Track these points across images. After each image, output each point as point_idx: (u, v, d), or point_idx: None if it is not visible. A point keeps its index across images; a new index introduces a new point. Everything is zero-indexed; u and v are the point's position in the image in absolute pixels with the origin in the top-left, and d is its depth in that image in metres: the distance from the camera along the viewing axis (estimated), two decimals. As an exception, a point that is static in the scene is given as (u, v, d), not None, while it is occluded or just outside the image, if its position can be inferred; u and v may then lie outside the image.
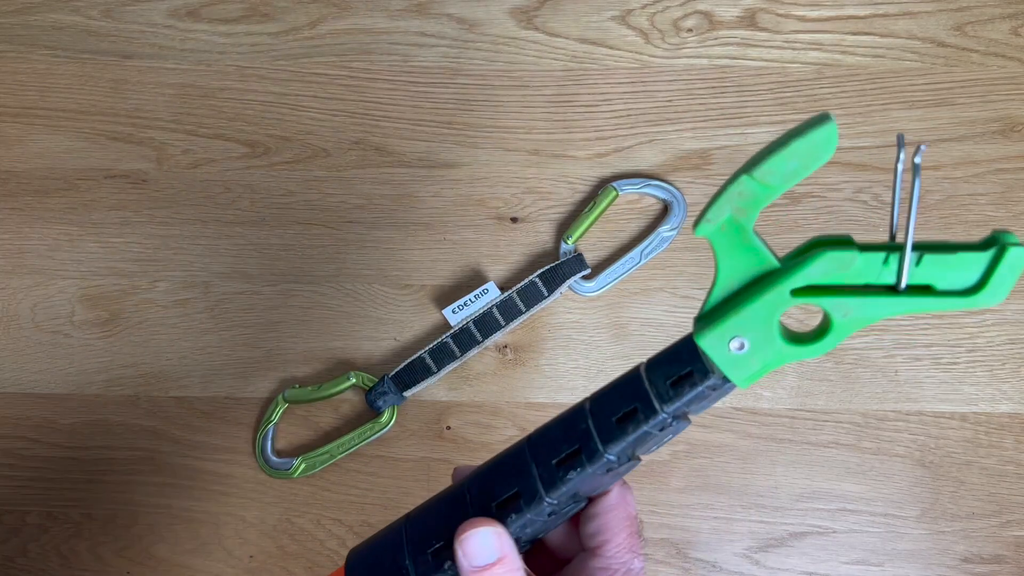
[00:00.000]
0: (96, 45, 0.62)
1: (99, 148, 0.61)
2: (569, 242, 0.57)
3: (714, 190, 0.62)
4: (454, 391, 0.57)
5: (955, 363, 0.56)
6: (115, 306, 0.59)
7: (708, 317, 0.26)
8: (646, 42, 0.60)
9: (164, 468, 0.57)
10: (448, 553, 0.29)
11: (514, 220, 0.59)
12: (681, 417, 0.28)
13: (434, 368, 0.55)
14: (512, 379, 0.57)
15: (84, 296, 0.59)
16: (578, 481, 0.28)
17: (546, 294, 0.56)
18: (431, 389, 0.57)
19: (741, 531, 0.55)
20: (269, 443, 0.56)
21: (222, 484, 0.57)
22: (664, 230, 0.57)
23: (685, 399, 0.27)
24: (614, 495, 0.31)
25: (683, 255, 0.58)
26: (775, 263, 0.25)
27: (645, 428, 0.27)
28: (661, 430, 0.28)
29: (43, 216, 0.60)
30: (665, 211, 0.58)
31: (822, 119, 0.24)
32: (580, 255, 0.57)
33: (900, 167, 0.24)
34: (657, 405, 0.27)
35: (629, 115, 0.60)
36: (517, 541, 0.29)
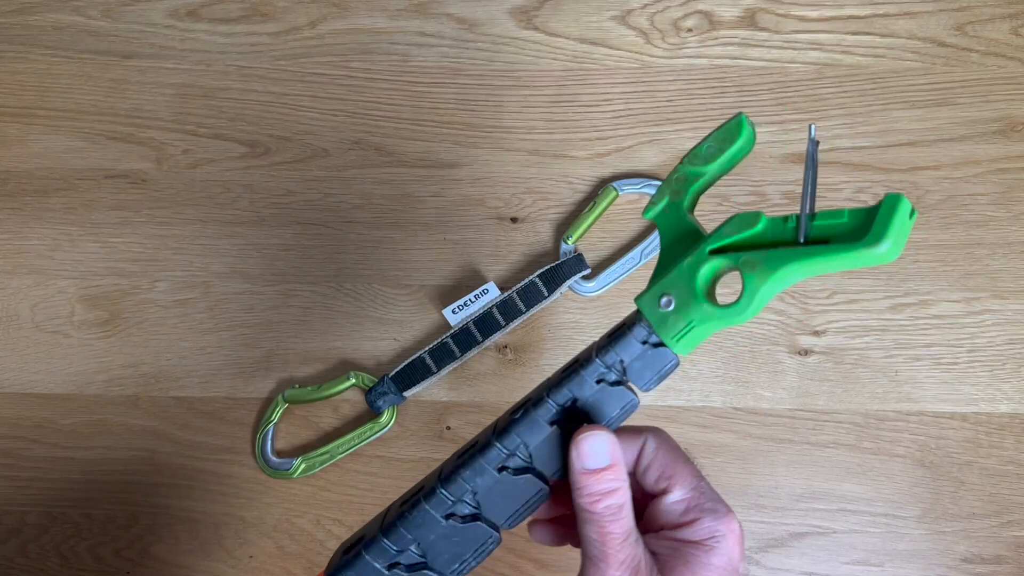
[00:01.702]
0: (96, 45, 0.62)
1: (99, 148, 0.61)
2: (569, 242, 0.57)
3: (714, 190, 0.61)
4: (454, 391, 0.57)
5: (955, 363, 0.56)
6: (115, 306, 0.59)
7: (649, 283, 0.30)
8: (646, 42, 0.60)
9: (164, 468, 0.57)
10: (412, 501, 0.31)
11: (514, 220, 0.59)
12: (621, 382, 0.31)
13: (434, 368, 0.55)
14: (512, 379, 0.57)
15: (84, 296, 0.59)
16: (524, 427, 0.31)
17: (546, 294, 0.56)
18: (431, 389, 0.57)
19: (741, 531, 0.55)
20: (269, 443, 0.56)
21: (222, 484, 0.57)
22: (664, 230, 0.57)
23: (616, 346, 0.30)
24: (661, 442, 0.33)
25: (683, 255, 0.58)
26: (702, 233, 0.29)
27: (582, 373, 0.30)
28: (598, 382, 0.30)
29: (43, 216, 0.60)
30: (665, 211, 0.58)
31: (734, 116, 0.29)
32: (580, 255, 0.57)
33: (810, 146, 0.27)
34: (594, 355, 0.30)
35: (629, 115, 0.60)
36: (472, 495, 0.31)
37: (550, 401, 0.31)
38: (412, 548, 0.30)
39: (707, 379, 0.56)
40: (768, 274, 0.27)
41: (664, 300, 0.29)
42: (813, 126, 0.28)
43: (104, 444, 0.57)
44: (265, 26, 0.62)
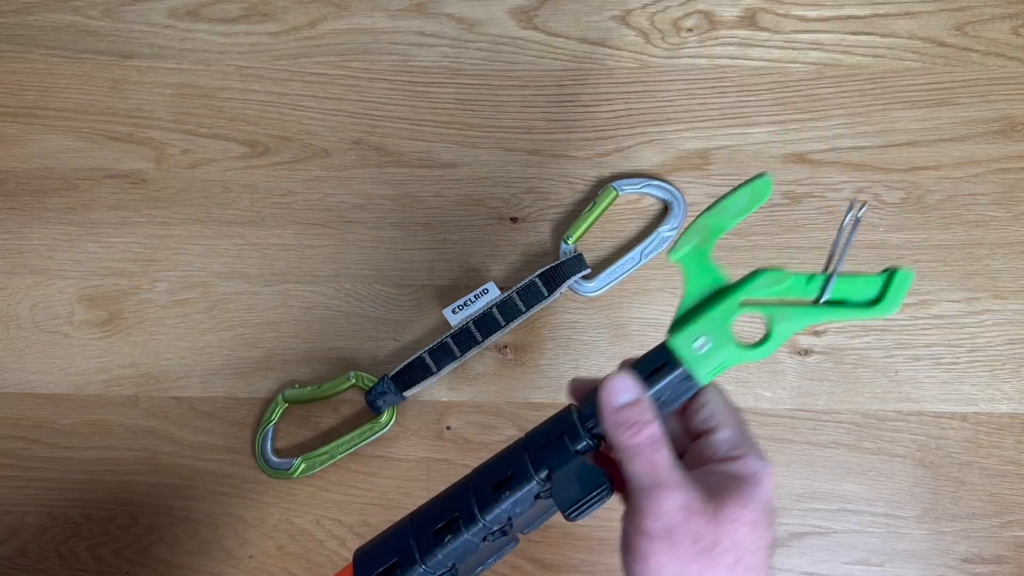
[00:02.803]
0: (96, 45, 0.62)
1: (98, 148, 0.61)
2: (569, 242, 0.57)
3: (714, 190, 0.62)
4: (454, 391, 0.57)
5: (955, 363, 0.56)
6: (115, 306, 0.59)
7: (677, 325, 0.33)
8: (646, 42, 0.60)
9: (164, 468, 0.57)
10: (451, 529, 0.33)
11: (514, 220, 0.59)
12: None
13: (434, 368, 0.55)
14: (512, 379, 0.57)
15: (84, 296, 0.59)
16: (555, 458, 0.33)
17: (546, 294, 0.56)
18: (431, 389, 0.57)
19: (741, 531, 0.55)
20: (269, 443, 0.56)
21: (222, 484, 0.57)
22: (664, 230, 0.57)
23: (661, 384, 0.33)
24: (710, 389, 0.34)
25: (683, 255, 0.58)
26: (727, 281, 0.33)
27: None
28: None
29: (43, 216, 0.60)
30: (665, 211, 0.58)
31: (760, 175, 0.32)
32: (580, 255, 0.57)
33: (847, 220, 0.32)
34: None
35: (629, 115, 0.60)
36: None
37: (582, 436, 0.33)
38: (445, 567, 0.33)
39: (707, 379, 0.56)
40: (793, 326, 0.32)
41: (699, 343, 0.33)
42: (857, 203, 0.32)
43: (104, 444, 0.57)
44: (265, 26, 0.62)
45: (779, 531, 0.55)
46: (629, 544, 0.31)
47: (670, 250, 0.34)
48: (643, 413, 0.31)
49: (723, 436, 0.33)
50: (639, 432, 0.31)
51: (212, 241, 0.59)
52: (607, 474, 0.33)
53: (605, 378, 0.32)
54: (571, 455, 0.32)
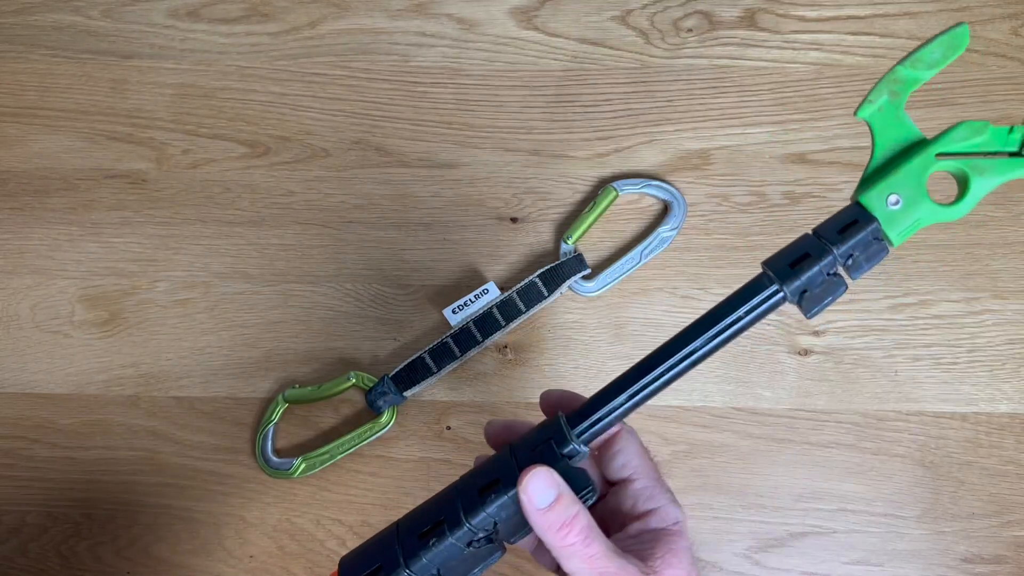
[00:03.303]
0: (96, 45, 0.62)
1: (99, 148, 0.61)
2: (569, 242, 0.57)
3: (714, 190, 0.62)
4: (454, 391, 0.57)
5: (955, 363, 0.56)
6: (115, 306, 0.59)
7: (867, 182, 0.32)
8: (646, 42, 0.60)
9: (164, 468, 0.57)
10: (435, 532, 0.32)
11: (514, 220, 0.59)
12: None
13: (434, 368, 0.55)
14: (512, 379, 0.57)
15: (84, 296, 0.59)
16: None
17: (546, 294, 0.56)
18: (431, 389, 0.57)
19: (741, 531, 0.55)
20: (269, 443, 0.56)
21: (222, 484, 0.57)
22: (664, 230, 0.57)
23: (852, 241, 0.31)
24: (624, 434, 0.35)
25: (683, 255, 0.58)
26: (922, 135, 0.32)
27: (819, 265, 0.32)
28: (829, 273, 0.32)
29: (43, 216, 0.60)
30: (665, 211, 0.58)
31: (957, 25, 0.33)
32: (580, 255, 0.57)
33: None
34: (828, 248, 0.32)
35: (629, 115, 0.60)
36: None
37: (569, 441, 0.33)
38: (429, 572, 0.32)
39: (707, 379, 0.56)
40: (994, 179, 0.31)
41: (892, 199, 0.31)
42: None
43: (104, 444, 0.57)
44: (265, 26, 0.62)
45: (779, 531, 0.55)
46: None
47: (859, 105, 0.32)
48: (567, 509, 0.30)
49: (639, 487, 0.34)
50: (570, 532, 0.30)
51: (212, 241, 0.59)
52: (588, 476, 0.33)
53: (521, 475, 0.31)
54: (557, 459, 0.32)
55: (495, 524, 0.32)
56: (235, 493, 0.57)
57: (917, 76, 0.32)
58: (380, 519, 0.55)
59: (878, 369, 0.56)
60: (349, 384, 0.56)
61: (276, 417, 0.56)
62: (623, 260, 0.57)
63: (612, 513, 0.35)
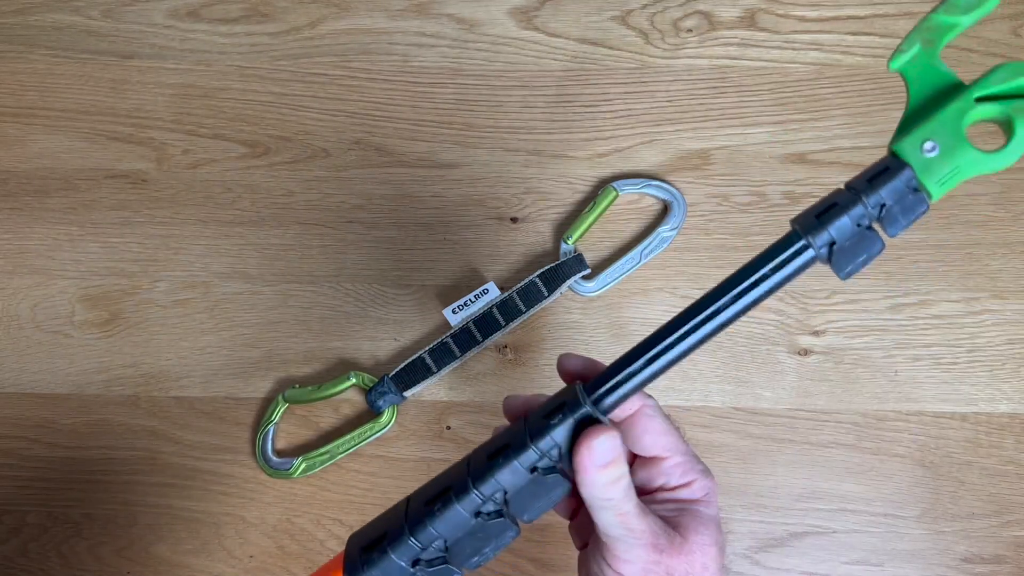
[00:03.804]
0: (96, 45, 0.62)
1: (99, 148, 0.61)
2: (569, 242, 0.57)
3: (714, 190, 0.62)
4: (454, 391, 0.57)
5: (955, 363, 0.56)
6: (115, 306, 0.59)
7: (901, 131, 0.30)
8: (646, 42, 0.60)
9: (164, 468, 0.57)
10: (441, 499, 0.31)
11: (514, 220, 0.59)
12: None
13: (434, 368, 0.55)
14: (512, 379, 0.57)
15: (84, 296, 0.59)
16: (558, 431, 0.31)
17: (546, 294, 0.56)
18: (431, 389, 0.57)
19: (741, 531, 0.55)
20: (269, 443, 0.56)
21: (222, 484, 0.57)
22: (664, 230, 0.57)
23: (881, 189, 0.29)
24: (648, 411, 0.35)
25: (683, 255, 0.58)
26: (959, 81, 0.30)
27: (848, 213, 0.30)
28: (860, 225, 0.30)
29: (43, 216, 0.60)
30: (665, 211, 0.58)
31: None
32: (580, 255, 0.57)
33: None
34: (857, 196, 0.30)
35: (629, 115, 0.60)
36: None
37: (585, 406, 0.31)
38: (435, 544, 0.31)
39: (707, 379, 0.56)
40: None
41: (928, 146, 0.29)
42: None
43: (104, 444, 0.57)
44: (265, 26, 0.62)
45: (779, 531, 0.55)
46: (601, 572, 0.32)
47: (892, 55, 0.30)
48: (620, 467, 0.31)
49: (671, 464, 0.34)
50: (613, 486, 0.30)
51: (212, 241, 0.59)
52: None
53: (586, 434, 0.30)
54: (572, 423, 0.31)
55: (504, 495, 0.31)
56: (235, 493, 0.57)
57: (953, 22, 0.29)
58: (380, 519, 0.56)
59: (878, 369, 0.56)
60: (349, 384, 0.56)
61: (276, 417, 0.56)
62: (623, 260, 0.57)
63: (642, 483, 0.35)
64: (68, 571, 0.56)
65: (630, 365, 0.32)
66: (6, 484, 0.57)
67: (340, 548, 0.56)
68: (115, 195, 0.60)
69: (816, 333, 0.56)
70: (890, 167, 0.30)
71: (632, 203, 0.59)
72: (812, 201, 0.61)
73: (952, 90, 0.30)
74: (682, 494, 0.34)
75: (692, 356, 0.58)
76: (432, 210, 0.59)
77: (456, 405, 0.57)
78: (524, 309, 0.56)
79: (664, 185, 0.58)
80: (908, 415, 0.55)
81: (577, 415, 0.31)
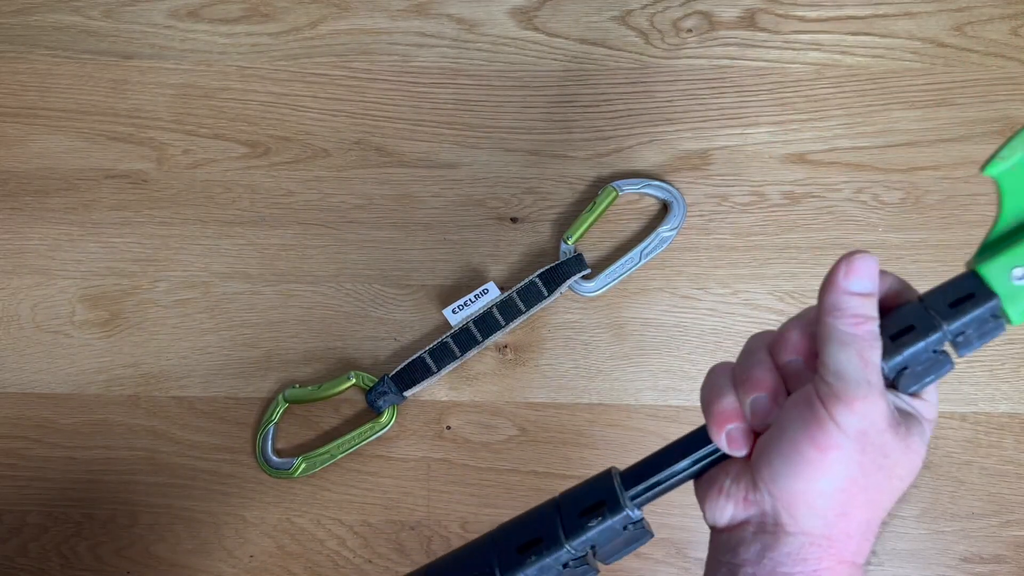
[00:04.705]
0: (96, 45, 0.62)
1: (99, 148, 0.61)
2: (569, 242, 0.57)
3: (714, 190, 0.61)
4: (454, 391, 0.57)
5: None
6: (115, 306, 0.59)
7: (989, 249, 0.27)
8: (646, 42, 0.60)
9: (164, 468, 0.57)
10: (532, 549, 0.29)
11: (514, 220, 0.59)
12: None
13: (434, 368, 0.55)
14: (512, 379, 0.57)
15: (84, 296, 0.59)
16: (597, 534, 0.30)
17: (546, 294, 0.56)
18: (431, 389, 0.57)
19: (741, 531, 0.55)
20: (269, 443, 0.56)
21: (222, 484, 0.57)
22: (664, 230, 0.57)
23: (965, 318, 0.28)
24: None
25: (683, 255, 0.58)
26: None
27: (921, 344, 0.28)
28: (935, 351, 0.28)
29: (43, 216, 0.60)
30: (665, 211, 0.58)
31: None
32: (580, 255, 0.57)
33: None
34: (937, 323, 0.28)
35: (629, 115, 0.60)
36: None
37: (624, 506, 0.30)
38: None
39: (707, 379, 0.56)
40: None
41: (1017, 273, 0.27)
42: None
43: (105, 444, 0.57)
44: (265, 26, 0.62)
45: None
46: (809, 426, 0.27)
47: (987, 161, 0.28)
48: (871, 309, 0.28)
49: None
50: (861, 324, 0.27)
51: (213, 241, 0.59)
52: (647, 526, 0.31)
53: (846, 256, 0.28)
54: (611, 523, 0.30)
55: (593, 547, 0.30)
56: (235, 493, 0.57)
57: None
58: (380, 519, 0.56)
59: (878, 369, 0.56)
60: (349, 384, 0.56)
61: (276, 417, 0.56)
62: (623, 260, 0.57)
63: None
64: (68, 571, 0.56)
65: (674, 463, 0.30)
66: (6, 484, 0.57)
67: (339, 548, 0.57)
68: (115, 195, 0.60)
69: (816, 333, 0.56)
70: (976, 294, 0.28)
71: (632, 203, 0.59)
72: (812, 201, 0.61)
73: None
74: (916, 404, 0.30)
75: (693, 356, 0.58)
76: (432, 210, 0.59)
77: (456, 405, 0.57)
78: (524, 309, 0.56)
79: (664, 185, 0.58)
80: (908, 415, 0.55)
81: (615, 515, 0.30)
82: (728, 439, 0.30)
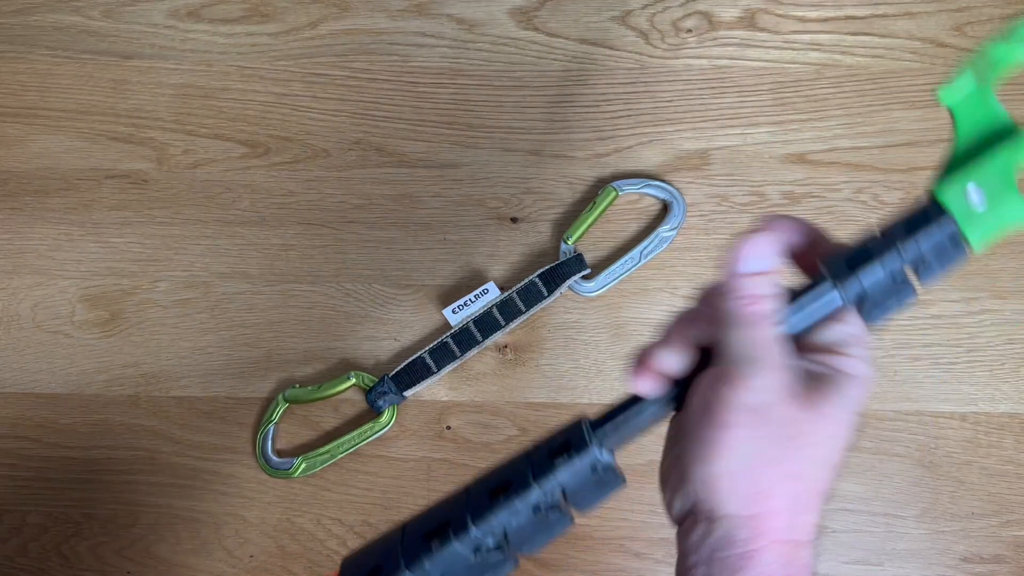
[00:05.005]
0: (96, 45, 0.62)
1: (99, 148, 0.61)
2: (569, 242, 0.57)
3: (714, 190, 0.62)
4: (454, 391, 0.57)
5: (954, 363, 0.56)
6: (115, 306, 0.59)
7: (945, 175, 0.28)
8: (646, 42, 0.60)
9: (164, 468, 0.57)
10: (439, 535, 0.29)
11: (514, 220, 0.59)
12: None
13: (434, 368, 0.55)
14: (512, 379, 0.57)
15: (84, 296, 0.59)
16: (564, 472, 0.30)
17: (546, 294, 0.56)
18: (431, 389, 0.57)
19: (741, 531, 0.55)
20: (269, 443, 0.56)
21: (222, 484, 0.57)
22: (664, 230, 0.57)
23: (918, 236, 0.28)
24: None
25: (683, 255, 0.58)
26: (1014, 123, 0.27)
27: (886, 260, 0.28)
28: (893, 276, 0.29)
29: (43, 216, 0.60)
30: (665, 211, 0.58)
31: None
32: (580, 255, 0.57)
33: None
34: (895, 249, 0.28)
35: (629, 115, 0.60)
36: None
37: (590, 447, 0.30)
38: None
39: (707, 379, 0.56)
40: None
41: (973, 194, 0.27)
42: None
43: (105, 444, 0.57)
44: (265, 26, 0.62)
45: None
46: (709, 408, 0.28)
47: (942, 89, 0.28)
48: (764, 286, 0.28)
49: (846, 329, 0.30)
50: (750, 304, 0.28)
51: (213, 241, 0.59)
52: (617, 470, 0.31)
53: (741, 238, 0.29)
54: (584, 457, 0.30)
55: (505, 533, 0.30)
56: (235, 493, 0.57)
57: (1010, 53, 0.26)
58: (380, 519, 0.56)
59: (877, 369, 0.56)
60: (349, 384, 0.56)
61: (276, 417, 0.56)
62: (623, 260, 0.57)
63: (802, 345, 0.31)
64: (68, 571, 0.56)
65: (635, 403, 0.31)
66: (6, 484, 0.57)
67: (340, 548, 0.57)
68: (115, 195, 0.60)
69: (816, 333, 0.56)
70: (931, 215, 0.28)
71: (632, 203, 0.59)
72: (812, 201, 0.61)
73: (1005, 133, 0.27)
74: (835, 361, 0.29)
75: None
76: (432, 210, 0.59)
77: (456, 405, 0.57)
78: (524, 309, 0.56)
79: (664, 185, 0.58)
80: (907, 415, 0.55)
81: (583, 455, 0.30)
82: (636, 380, 0.31)
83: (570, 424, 0.32)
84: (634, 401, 0.31)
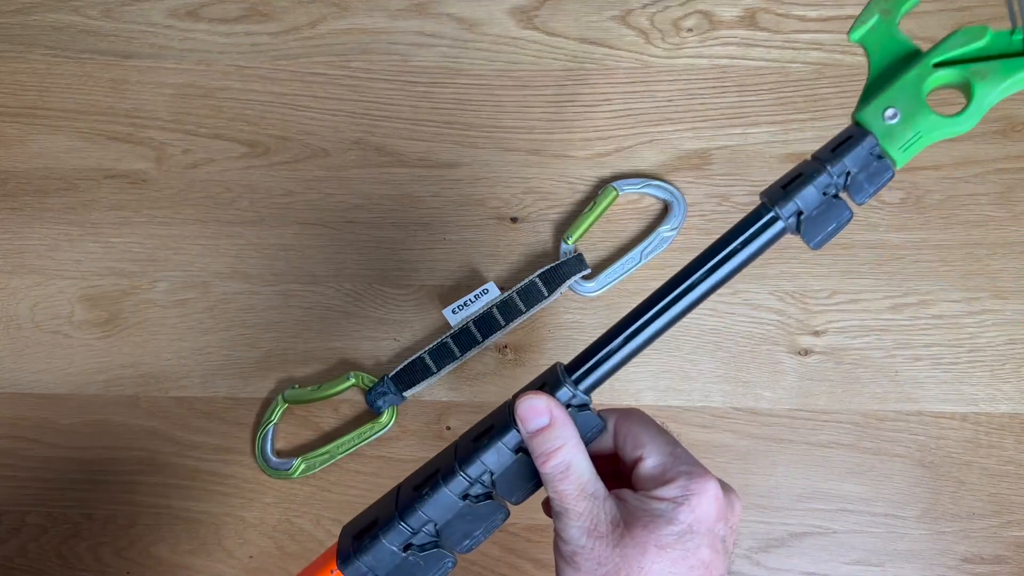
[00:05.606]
0: (96, 45, 0.62)
1: (99, 148, 0.61)
2: (569, 242, 0.57)
3: (714, 190, 0.62)
4: (454, 391, 0.57)
5: (955, 363, 0.56)
6: (115, 306, 0.59)
7: (864, 99, 0.30)
8: (646, 42, 0.60)
9: (164, 468, 0.57)
10: (429, 483, 0.31)
11: (514, 220, 0.59)
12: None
13: (434, 368, 0.55)
14: (512, 379, 0.57)
15: (84, 296, 0.59)
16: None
17: (546, 294, 0.56)
18: (431, 389, 0.57)
19: (741, 531, 0.55)
20: (269, 443, 0.56)
21: (222, 484, 0.57)
22: (664, 230, 0.57)
23: (845, 157, 0.30)
24: (634, 416, 0.34)
25: (683, 255, 0.58)
26: (918, 48, 0.31)
27: (816, 180, 0.30)
28: (826, 194, 0.31)
29: (43, 216, 0.60)
30: (665, 211, 0.58)
31: None
32: (580, 255, 0.57)
33: None
34: (822, 166, 0.30)
35: (629, 115, 0.60)
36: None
37: (566, 387, 0.32)
38: (426, 528, 0.31)
39: (707, 379, 0.56)
40: (999, 83, 0.29)
41: (889, 113, 0.30)
42: None
43: (104, 444, 0.57)
44: (265, 26, 0.62)
45: (779, 531, 0.55)
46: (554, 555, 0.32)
47: (852, 27, 0.31)
48: (555, 439, 0.31)
49: (650, 464, 0.32)
50: (549, 460, 0.31)
51: (212, 241, 0.59)
52: (599, 413, 0.33)
53: (518, 395, 0.32)
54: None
55: (491, 477, 0.32)
56: (235, 493, 0.57)
57: None
58: (380, 519, 0.55)
59: (878, 369, 0.56)
60: (349, 384, 0.56)
61: (276, 417, 0.56)
62: (623, 260, 0.57)
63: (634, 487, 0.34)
64: (68, 571, 0.56)
65: (609, 344, 0.32)
66: (6, 484, 0.57)
67: (340, 548, 0.56)
68: (115, 195, 0.60)
69: (816, 333, 0.56)
70: (853, 135, 0.30)
71: (632, 203, 0.59)
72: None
73: (911, 58, 0.30)
74: (657, 492, 0.31)
75: (693, 356, 0.58)
76: (432, 210, 0.59)
77: (456, 405, 0.57)
78: (524, 309, 0.56)
79: (664, 185, 0.58)
80: (908, 415, 0.55)
81: (558, 394, 0.32)
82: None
83: (547, 370, 0.34)
84: (607, 339, 0.33)
